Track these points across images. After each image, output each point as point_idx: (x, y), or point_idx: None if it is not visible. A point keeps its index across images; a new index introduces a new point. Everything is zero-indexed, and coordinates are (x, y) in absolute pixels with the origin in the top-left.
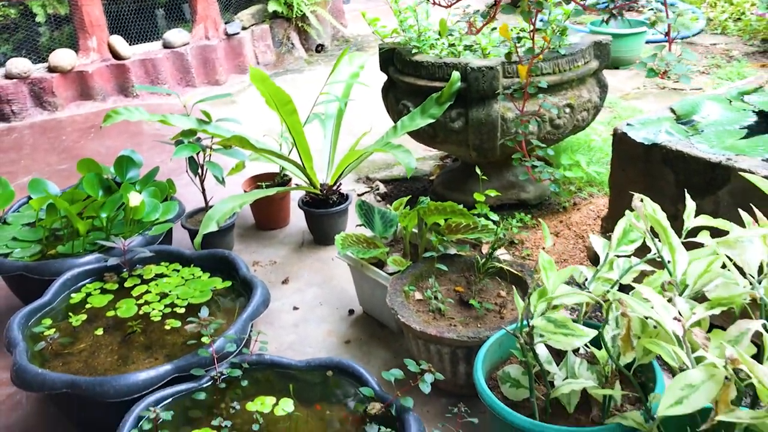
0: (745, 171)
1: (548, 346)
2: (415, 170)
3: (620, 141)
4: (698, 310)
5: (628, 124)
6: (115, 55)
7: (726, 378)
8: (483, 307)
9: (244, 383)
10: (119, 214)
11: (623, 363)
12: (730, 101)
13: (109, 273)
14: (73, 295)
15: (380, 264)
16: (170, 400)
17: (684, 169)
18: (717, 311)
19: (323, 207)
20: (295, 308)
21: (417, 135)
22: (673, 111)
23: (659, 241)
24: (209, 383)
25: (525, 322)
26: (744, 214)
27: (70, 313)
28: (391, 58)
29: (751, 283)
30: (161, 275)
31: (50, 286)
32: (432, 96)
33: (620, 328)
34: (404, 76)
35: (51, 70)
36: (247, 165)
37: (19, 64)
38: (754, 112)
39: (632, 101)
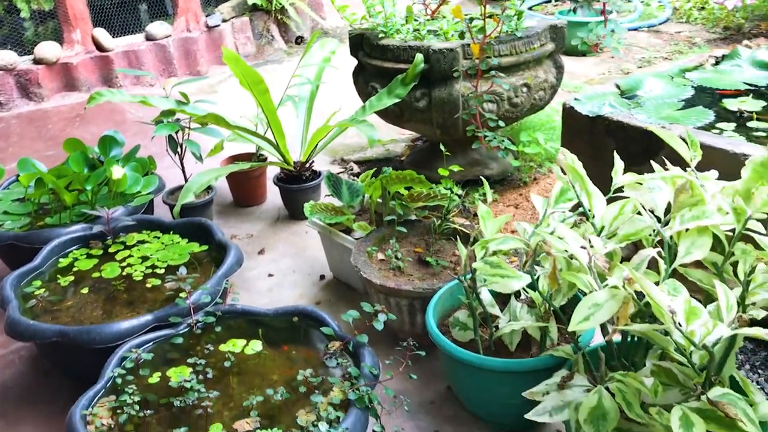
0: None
1: (494, 295)
2: (387, 152)
3: (568, 115)
4: (609, 244)
5: (575, 99)
6: (99, 48)
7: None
8: (439, 265)
9: (218, 329)
10: (103, 189)
11: (557, 304)
12: (672, 78)
13: (94, 240)
14: (60, 260)
15: (348, 232)
16: (151, 344)
17: (624, 138)
18: (623, 244)
19: (297, 183)
20: (270, 275)
21: (385, 115)
22: (618, 87)
23: (579, 187)
24: (186, 330)
25: (470, 273)
26: (654, 164)
27: (58, 276)
28: (361, 43)
29: (659, 221)
30: (143, 242)
31: (39, 252)
32: (397, 77)
33: (548, 267)
34: (372, 60)
35: (36, 62)
36: (226, 146)
37: (5, 56)
38: (693, 87)
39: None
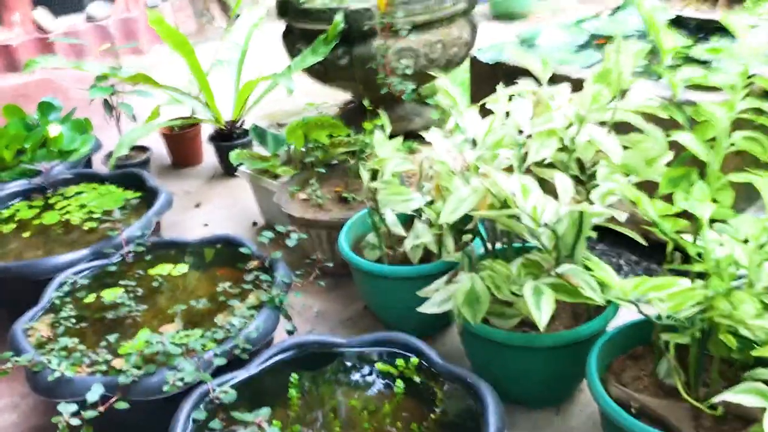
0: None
1: (402, 221)
2: (321, 113)
3: (474, 64)
4: (477, 153)
5: (479, 49)
6: (40, 29)
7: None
8: (356, 200)
9: (148, 257)
10: (42, 151)
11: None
12: (570, 27)
13: (35, 194)
14: (3, 211)
15: (277, 179)
16: (87, 272)
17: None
18: (489, 153)
19: (229, 140)
20: (205, 225)
21: (311, 74)
22: (518, 36)
23: (453, 107)
24: (119, 259)
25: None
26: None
27: (1, 225)
28: (287, 8)
29: (521, 132)
30: (80, 192)
31: None
32: (320, 37)
33: (432, 181)
34: (297, 22)
35: None
36: (163, 112)
37: None
38: (589, 35)
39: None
